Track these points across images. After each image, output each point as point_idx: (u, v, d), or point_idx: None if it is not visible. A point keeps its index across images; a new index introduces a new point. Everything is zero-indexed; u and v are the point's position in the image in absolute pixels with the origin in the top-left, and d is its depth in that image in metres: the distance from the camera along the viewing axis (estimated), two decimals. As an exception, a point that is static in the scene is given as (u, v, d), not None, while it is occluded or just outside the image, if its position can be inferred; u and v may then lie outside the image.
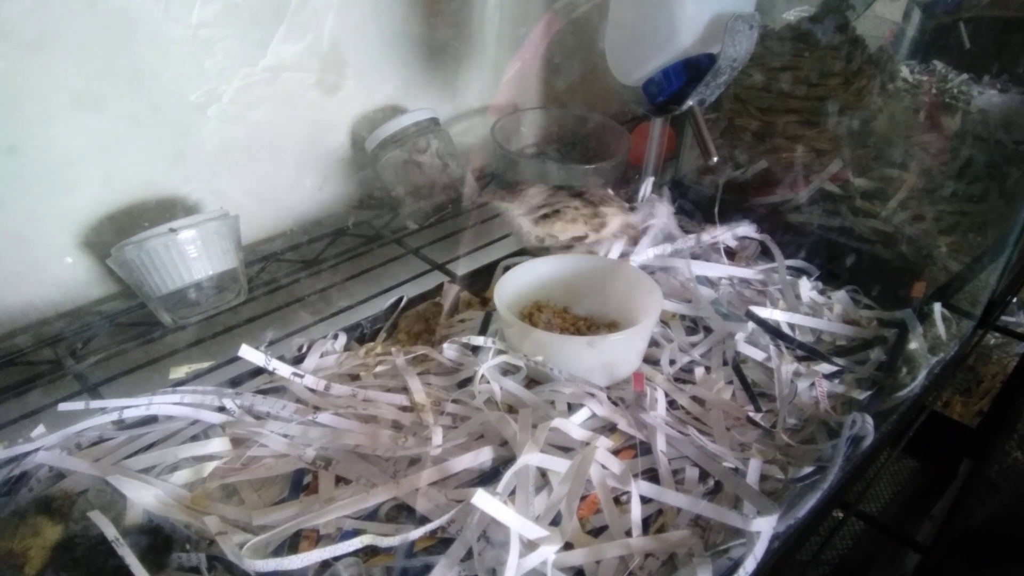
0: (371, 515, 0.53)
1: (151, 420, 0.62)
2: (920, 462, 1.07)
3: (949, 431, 1.02)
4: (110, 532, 0.48)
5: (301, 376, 0.64)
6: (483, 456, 0.56)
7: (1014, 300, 0.92)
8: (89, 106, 0.67)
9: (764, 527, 0.50)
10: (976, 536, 0.99)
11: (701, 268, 0.82)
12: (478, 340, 0.68)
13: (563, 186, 0.80)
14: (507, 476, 0.52)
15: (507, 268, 0.79)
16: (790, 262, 0.85)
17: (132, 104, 0.70)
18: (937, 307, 0.78)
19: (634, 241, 0.81)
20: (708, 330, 0.75)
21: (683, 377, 0.69)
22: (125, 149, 0.71)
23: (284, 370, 0.64)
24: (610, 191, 0.84)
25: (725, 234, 0.88)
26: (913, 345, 0.73)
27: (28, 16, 0.61)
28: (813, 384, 0.67)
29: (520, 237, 0.78)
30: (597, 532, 0.53)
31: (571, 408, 0.63)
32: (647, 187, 0.93)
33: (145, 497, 0.51)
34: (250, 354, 0.63)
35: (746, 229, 0.89)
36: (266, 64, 0.78)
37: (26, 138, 0.65)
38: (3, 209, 0.66)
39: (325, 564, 0.48)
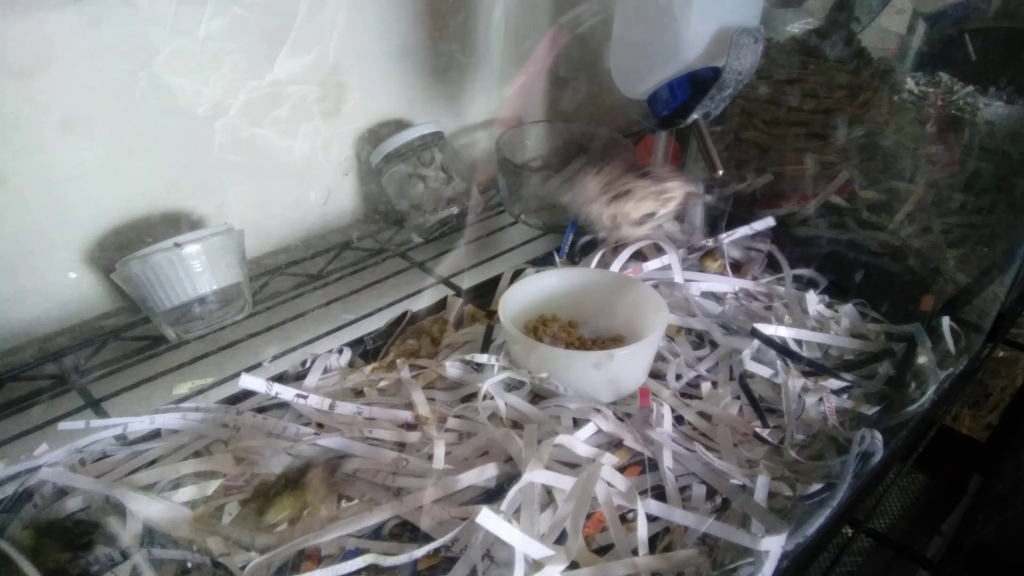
0: (374, 534, 0.52)
1: (154, 436, 0.62)
2: (930, 477, 1.06)
3: (959, 446, 1.01)
4: (125, 540, 0.48)
5: (305, 397, 0.64)
6: (487, 473, 0.56)
7: (1024, 313, 0.92)
8: (94, 121, 0.67)
9: (773, 546, 0.49)
10: (987, 552, 0.98)
11: (704, 283, 0.82)
12: (482, 358, 0.68)
13: (629, 168, 0.80)
14: (512, 494, 0.52)
15: (513, 278, 0.79)
16: (796, 274, 0.84)
17: (138, 118, 0.70)
18: (946, 320, 0.77)
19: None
20: (714, 344, 0.74)
21: (689, 392, 0.69)
22: (130, 163, 0.71)
23: (287, 393, 0.64)
24: (669, 168, 0.84)
25: (728, 239, 0.88)
26: (922, 359, 0.72)
27: (32, 27, 0.61)
28: (821, 399, 0.66)
29: (589, 219, 0.79)
30: (603, 551, 0.52)
31: (576, 424, 0.62)
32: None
33: (148, 514, 0.51)
34: (252, 383, 0.63)
35: (758, 226, 0.89)
36: (272, 78, 0.78)
37: (30, 153, 0.65)
38: (6, 224, 0.66)
39: (328, 584, 0.48)
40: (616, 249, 0.84)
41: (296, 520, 0.50)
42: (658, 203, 0.77)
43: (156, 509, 0.52)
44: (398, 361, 0.71)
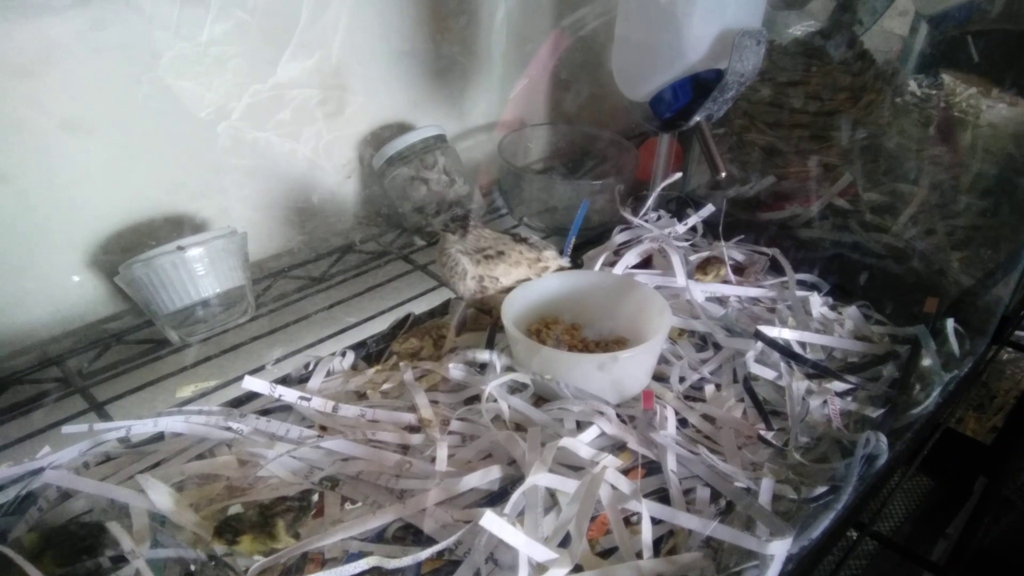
0: (377, 536, 0.52)
1: (158, 438, 0.62)
2: (935, 480, 1.06)
3: (964, 448, 1.01)
4: (127, 544, 0.48)
5: (308, 399, 0.64)
6: (491, 475, 0.56)
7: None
8: (98, 124, 0.68)
9: (778, 550, 0.49)
10: (992, 555, 0.98)
11: (704, 287, 0.82)
12: (484, 356, 0.68)
13: (508, 232, 0.79)
14: (515, 496, 0.52)
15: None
16: (799, 277, 0.84)
17: (141, 122, 0.70)
18: (950, 323, 0.77)
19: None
20: (717, 347, 0.74)
21: (693, 395, 0.69)
22: (133, 166, 0.72)
23: (291, 395, 0.64)
24: (542, 237, 0.81)
25: (683, 228, 0.89)
26: (926, 362, 0.72)
27: (35, 30, 0.61)
28: (825, 402, 0.66)
29: (456, 278, 0.74)
30: (607, 554, 0.52)
31: (580, 426, 0.62)
32: (652, 202, 0.93)
33: (163, 505, 0.51)
34: (255, 384, 0.63)
35: (706, 211, 0.90)
36: (275, 82, 0.78)
37: (33, 155, 0.65)
38: (11, 228, 0.66)
39: (331, 586, 0.48)
40: (619, 252, 0.84)
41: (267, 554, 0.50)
42: (533, 271, 0.75)
43: (170, 501, 0.52)
44: (401, 364, 0.71)
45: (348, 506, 0.55)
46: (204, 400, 0.67)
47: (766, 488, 0.56)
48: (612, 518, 0.53)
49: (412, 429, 0.63)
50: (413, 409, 0.64)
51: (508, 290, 0.73)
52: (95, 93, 0.67)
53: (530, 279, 0.75)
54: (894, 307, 0.80)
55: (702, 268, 0.84)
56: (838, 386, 0.69)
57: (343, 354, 0.73)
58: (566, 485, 0.54)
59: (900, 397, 0.68)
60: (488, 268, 0.73)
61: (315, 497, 0.55)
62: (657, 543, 0.52)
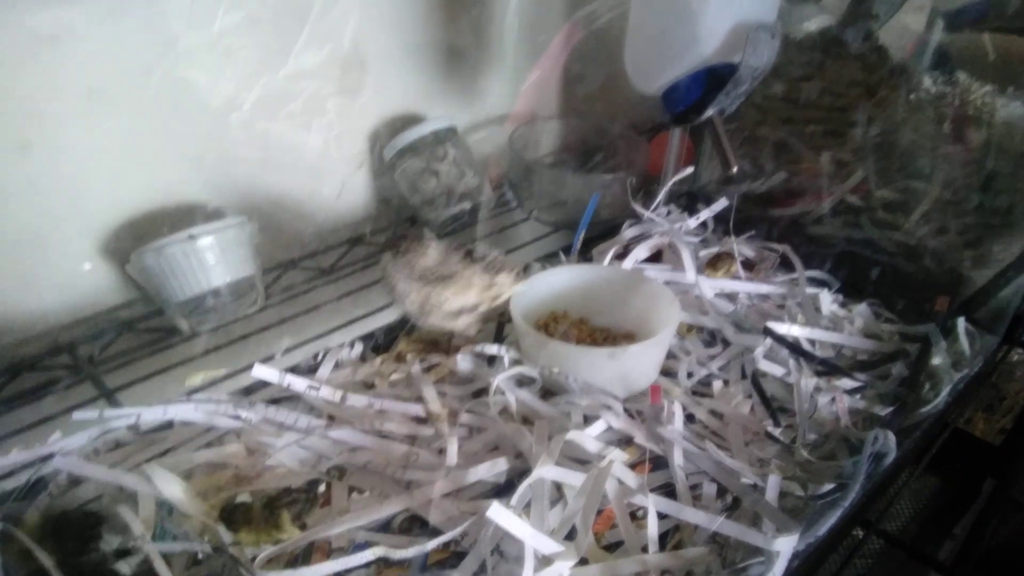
0: (384, 527, 0.53)
1: (167, 426, 0.63)
2: (943, 480, 1.05)
3: (972, 449, 1.01)
4: (137, 528, 0.48)
5: (317, 388, 0.64)
6: (498, 468, 0.56)
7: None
8: (110, 113, 0.68)
9: (785, 546, 0.49)
10: (999, 556, 0.97)
11: (714, 283, 0.81)
12: (492, 349, 0.68)
13: (465, 249, 0.72)
14: (522, 489, 0.52)
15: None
16: (809, 274, 0.84)
17: (153, 111, 0.70)
18: (961, 322, 0.76)
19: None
20: (726, 342, 0.74)
21: (701, 390, 0.69)
22: (145, 156, 0.72)
23: (299, 384, 0.64)
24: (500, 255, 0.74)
25: (695, 223, 0.89)
26: (936, 360, 0.71)
27: (48, 18, 0.61)
28: (833, 399, 0.66)
29: (397, 299, 0.69)
30: (613, 547, 0.52)
31: (587, 420, 0.62)
32: (663, 196, 0.92)
33: (171, 493, 0.51)
34: (264, 372, 0.63)
35: (719, 205, 0.90)
36: (286, 72, 0.78)
37: (43, 143, 0.65)
38: (21, 214, 0.66)
39: (337, 576, 0.48)
40: (629, 246, 0.84)
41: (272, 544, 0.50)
42: (484, 296, 0.69)
43: (178, 489, 0.52)
44: (409, 355, 0.71)
45: (355, 496, 0.56)
46: (213, 388, 0.68)
47: (773, 485, 0.56)
48: (618, 512, 0.53)
49: (419, 420, 0.63)
50: (421, 400, 0.65)
51: (453, 314, 0.68)
52: (107, 81, 0.67)
53: (478, 305, 0.70)
54: (905, 305, 0.80)
55: (712, 264, 0.84)
56: (847, 384, 0.68)
57: (352, 345, 0.73)
58: (572, 478, 0.54)
59: (909, 396, 0.67)
60: (433, 291, 0.67)
61: (321, 488, 0.56)
62: (663, 537, 0.52)
